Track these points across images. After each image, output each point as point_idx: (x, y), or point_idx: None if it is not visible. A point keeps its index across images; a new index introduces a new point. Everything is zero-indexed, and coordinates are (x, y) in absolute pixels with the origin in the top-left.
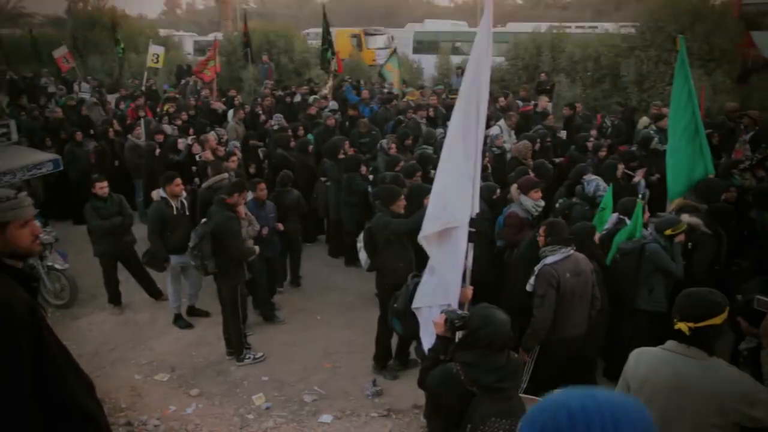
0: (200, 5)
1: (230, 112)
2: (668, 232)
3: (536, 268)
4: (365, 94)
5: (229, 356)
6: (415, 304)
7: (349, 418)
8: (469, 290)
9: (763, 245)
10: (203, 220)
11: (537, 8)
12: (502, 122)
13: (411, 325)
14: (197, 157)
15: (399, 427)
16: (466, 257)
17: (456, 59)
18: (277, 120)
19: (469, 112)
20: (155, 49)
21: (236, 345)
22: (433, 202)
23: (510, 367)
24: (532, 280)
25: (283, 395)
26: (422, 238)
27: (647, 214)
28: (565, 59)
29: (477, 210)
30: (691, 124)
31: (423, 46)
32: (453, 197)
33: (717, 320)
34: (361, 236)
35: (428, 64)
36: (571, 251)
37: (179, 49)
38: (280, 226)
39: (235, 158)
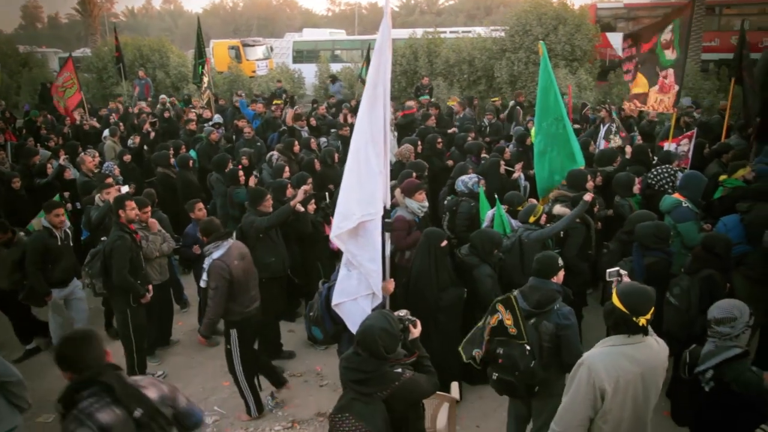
0: (64, 18)
1: (106, 132)
2: (531, 219)
3: (205, 265)
4: (259, 107)
5: None
6: (336, 301)
7: None
8: (391, 283)
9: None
10: (103, 237)
11: (412, 15)
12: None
13: (331, 328)
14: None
15: None
16: (384, 248)
17: (336, 67)
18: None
19: (375, 115)
20: None
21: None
22: (342, 201)
23: (377, 375)
24: (204, 275)
25: None
26: (335, 237)
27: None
28: (441, 63)
29: (389, 202)
30: (561, 122)
31: (303, 55)
32: (365, 193)
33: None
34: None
35: (309, 73)
36: (231, 241)
37: (43, 66)
38: None
39: (111, 179)
